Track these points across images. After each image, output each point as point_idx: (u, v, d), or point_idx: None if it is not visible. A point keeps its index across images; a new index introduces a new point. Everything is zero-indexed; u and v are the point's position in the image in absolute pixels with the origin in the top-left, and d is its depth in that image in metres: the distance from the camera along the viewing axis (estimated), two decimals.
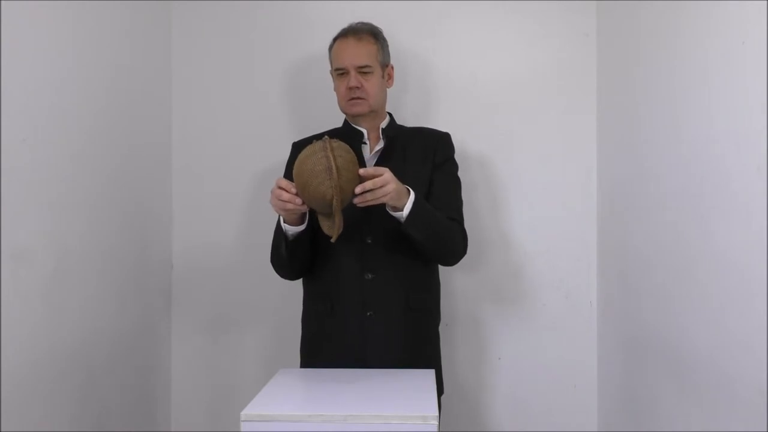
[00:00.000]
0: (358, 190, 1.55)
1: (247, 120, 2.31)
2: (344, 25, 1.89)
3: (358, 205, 1.59)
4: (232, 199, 2.31)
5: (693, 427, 1.56)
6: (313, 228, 1.75)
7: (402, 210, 1.64)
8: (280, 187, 1.58)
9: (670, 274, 1.69)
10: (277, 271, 1.83)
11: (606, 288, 2.21)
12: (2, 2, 1.44)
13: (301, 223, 1.68)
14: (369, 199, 1.57)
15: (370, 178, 1.56)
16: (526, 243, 2.27)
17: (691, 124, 1.58)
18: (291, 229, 1.69)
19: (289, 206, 1.58)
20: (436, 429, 1.28)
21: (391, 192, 1.58)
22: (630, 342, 1.98)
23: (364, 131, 1.87)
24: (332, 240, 1.59)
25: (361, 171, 1.57)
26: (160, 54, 2.26)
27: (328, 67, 1.90)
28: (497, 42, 2.29)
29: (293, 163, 1.79)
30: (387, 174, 1.58)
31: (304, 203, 1.57)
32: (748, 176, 1.32)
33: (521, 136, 2.28)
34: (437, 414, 1.31)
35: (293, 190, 1.57)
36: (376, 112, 1.87)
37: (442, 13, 2.28)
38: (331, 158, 1.51)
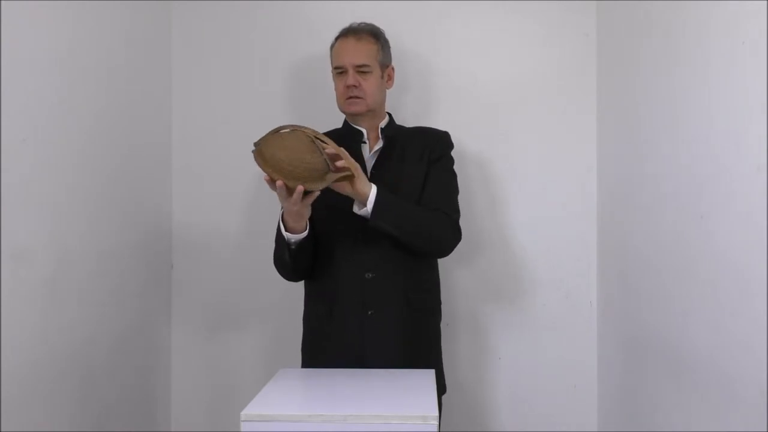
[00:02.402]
0: (330, 150, 1.54)
1: (247, 120, 2.31)
2: (344, 25, 1.89)
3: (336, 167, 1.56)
4: (232, 199, 2.31)
5: (693, 427, 1.56)
6: (315, 230, 1.75)
7: (366, 206, 1.64)
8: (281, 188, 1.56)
9: (670, 274, 1.69)
10: (280, 274, 1.83)
11: (606, 288, 2.21)
12: (2, 2, 1.44)
13: (303, 229, 1.68)
14: (343, 162, 1.56)
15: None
16: (526, 243, 2.27)
17: (691, 124, 1.58)
18: (294, 237, 1.68)
19: (283, 193, 1.55)
20: (436, 429, 1.28)
21: (358, 167, 1.59)
22: (630, 342, 1.98)
23: (364, 131, 1.87)
24: (354, 174, 1.57)
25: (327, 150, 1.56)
26: (160, 54, 2.26)
27: (329, 67, 1.91)
28: (497, 42, 2.29)
29: None
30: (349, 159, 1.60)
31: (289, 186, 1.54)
32: (748, 176, 1.32)
33: (521, 136, 2.28)
34: (437, 414, 1.31)
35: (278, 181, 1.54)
36: (374, 112, 1.87)
37: (442, 13, 2.28)
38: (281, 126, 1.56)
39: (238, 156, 2.30)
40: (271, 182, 1.54)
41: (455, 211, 1.83)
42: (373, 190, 1.64)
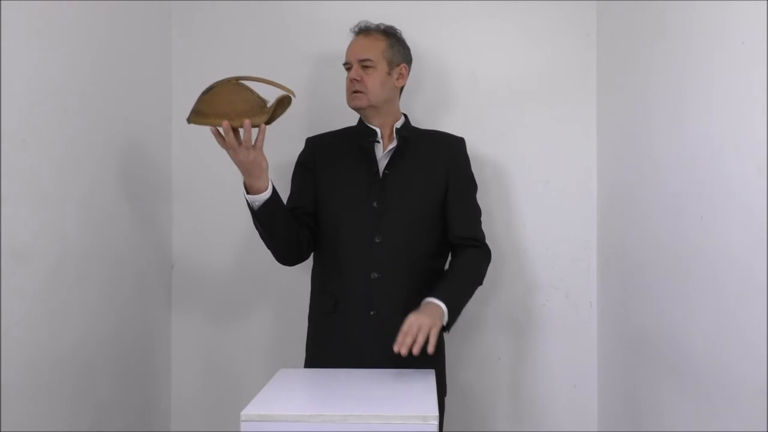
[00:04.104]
0: (396, 348, 1.57)
1: None
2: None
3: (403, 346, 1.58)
4: (232, 199, 2.30)
5: (693, 427, 1.56)
6: (321, 210, 1.78)
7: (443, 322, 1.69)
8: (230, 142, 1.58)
9: (670, 274, 1.69)
10: (274, 257, 1.83)
11: (606, 288, 2.21)
12: (2, 2, 1.44)
13: (266, 186, 1.67)
14: (412, 340, 1.58)
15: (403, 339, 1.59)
16: (526, 243, 2.27)
17: (691, 124, 1.58)
18: (258, 199, 1.67)
19: (232, 143, 1.58)
20: (436, 429, 1.28)
21: (429, 324, 1.60)
22: (630, 342, 1.98)
23: (378, 130, 1.87)
24: (293, 95, 1.60)
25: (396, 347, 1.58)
26: (160, 54, 2.26)
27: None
28: (497, 42, 2.29)
29: (306, 157, 1.87)
30: (410, 320, 1.60)
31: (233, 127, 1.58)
32: (748, 176, 1.32)
33: (521, 136, 2.28)
34: (437, 414, 1.30)
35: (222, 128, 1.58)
36: (380, 109, 1.87)
37: (441, 14, 2.27)
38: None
39: None
40: (218, 134, 1.58)
41: (482, 235, 1.91)
42: (443, 307, 1.68)
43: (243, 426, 1.30)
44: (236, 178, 2.30)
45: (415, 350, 1.55)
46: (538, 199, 2.27)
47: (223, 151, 2.27)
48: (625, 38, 2.03)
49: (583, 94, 2.26)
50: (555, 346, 2.27)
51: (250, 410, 1.32)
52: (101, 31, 1.86)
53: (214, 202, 2.31)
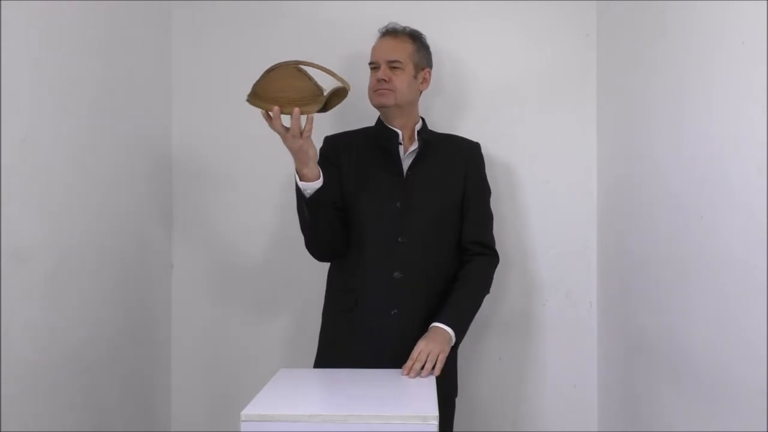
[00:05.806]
0: (404, 372, 1.62)
1: (245, 119, 2.30)
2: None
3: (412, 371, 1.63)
4: (231, 199, 2.31)
5: (693, 427, 1.56)
6: (345, 207, 1.79)
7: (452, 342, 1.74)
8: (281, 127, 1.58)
9: (670, 274, 1.69)
10: (307, 244, 1.80)
11: (606, 288, 2.21)
12: (2, 2, 1.44)
13: (317, 176, 1.66)
14: (420, 367, 1.63)
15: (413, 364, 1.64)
16: (526, 243, 2.27)
17: (691, 124, 1.58)
18: (309, 187, 1.65)
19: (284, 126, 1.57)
20: (435, 429, 1.28)
21: (438, 351, 1.65)
22: (630, 342, 1.98)
23: (399, 132, 1.88)
24: (348, 88, 1.61)
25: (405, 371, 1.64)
26: (160, 54, 2.26)
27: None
28: (497, 42, 2.29)
29: (329, 154, 1.86)
30: (419, 346, 1.66)
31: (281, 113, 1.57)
32: (748, 176, 1.32)
33: (521, 136, 2.28)
34: (437, 414, 1.30)
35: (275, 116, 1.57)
36: (403, 109, 1.88)
37: (441, 14, 2.27)
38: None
39: (238, 156, 2.31)
40: (269, 117, 1.58)
41: (492, 241, 1.93)
42: (450, 332, 1.72)
43: (243, 426, 1.30)
44: (236, 179, 2.31)
45: (424, 374, 1.62)
46: (538, 199, 2.27)
47: (223, 151, 2.30)
48: (625, 38, 2.03)
49: (583, 94, 2.26)
50: (555, 346, 2.27)
51: (250, 410, 1.32)
52: (101, 31, 1.87)
53: (214, 201, 2.31)
